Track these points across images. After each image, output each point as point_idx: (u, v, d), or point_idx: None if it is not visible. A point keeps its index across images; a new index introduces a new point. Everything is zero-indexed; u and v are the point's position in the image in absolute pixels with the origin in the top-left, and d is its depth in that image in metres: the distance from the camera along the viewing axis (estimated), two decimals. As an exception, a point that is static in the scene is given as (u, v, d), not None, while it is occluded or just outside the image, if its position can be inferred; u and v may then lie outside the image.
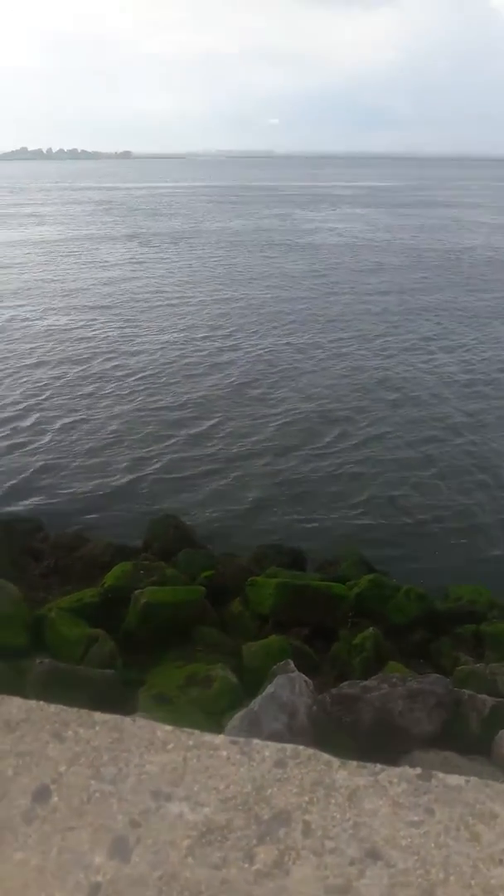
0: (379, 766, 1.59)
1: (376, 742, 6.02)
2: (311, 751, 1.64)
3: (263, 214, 67.94)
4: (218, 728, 5.89)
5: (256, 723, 5.82)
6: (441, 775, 1.57)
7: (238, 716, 5.95)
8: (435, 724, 6.29)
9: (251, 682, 6.72)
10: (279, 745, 1.64)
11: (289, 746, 1.65)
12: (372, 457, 14.51)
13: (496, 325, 25.46)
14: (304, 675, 6.38)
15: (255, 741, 1.67)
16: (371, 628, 7.98)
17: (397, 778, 1.56)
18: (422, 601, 8.87)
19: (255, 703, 5.96)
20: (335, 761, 1.60)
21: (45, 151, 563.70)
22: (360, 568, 9.88)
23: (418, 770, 1.58)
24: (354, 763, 1.60)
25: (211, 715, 6.10)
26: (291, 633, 8.07)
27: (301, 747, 1.65)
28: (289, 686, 6.17)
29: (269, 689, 6.10)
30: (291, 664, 6.61)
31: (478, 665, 7.65)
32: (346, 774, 1.57)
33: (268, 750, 1.63)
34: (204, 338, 23.07)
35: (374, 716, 6.20)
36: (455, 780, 1.56)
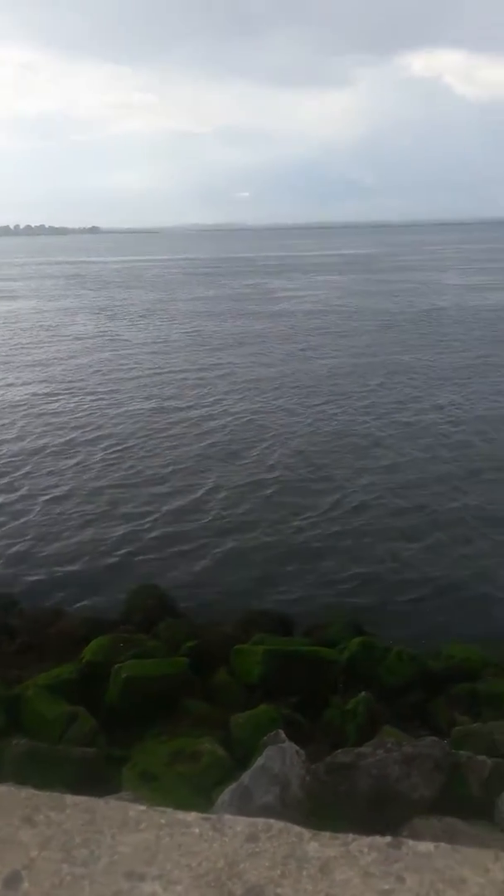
0: (351, 835, 1.60)
1: (374, 811, 5.77)
2: (282, 824, 1.65)
3: (237, 285, 69.34)
4: (208, 804, 5.61)
5: (247, 797, 5.55)
6: (411, 843, 1.60)
7: (228, 790, 5.69)
8: (434, 789, 6.05)
9: (241, 755, 6.47)
10: (250, 820, 1.66)
11: (260, 820, 1.65)
12: (355, 518, 14.37)
13: (474, 384, 25.71)
14: (295, 745, 6.15)
15: (227, 816, 1.69)
16: (363, 693, 7.76)
17: (367, 847, 1.57)
18: (414, 662, 8.67)
19: (246, 777, 5.72)
20: (306, 833, 1.61)
21: (12, 228, 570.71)
22: (350, 630, 9.68)
23: (388, 838, 1.60)
24: (326, 834, 1.61)
25: (200, 791, 5.82)
26: (281, 701, 7.82)
27: (273, 820, 1.65)
28: (280, 757, 5.93)
29: (260, 761, 5.86)
30: (282, 734, 6.37)
31: (475, 725, 7.44)
32: (317, 846, 1.57)
33: (239, 825, 1.64)
34: (184, 407, 23.11)
35: (370, 784, 5.96)
36: (425, 846, 1.59)
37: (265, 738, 6.35)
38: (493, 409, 22.37)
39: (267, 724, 6.74)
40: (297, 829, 1.62)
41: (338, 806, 5.77)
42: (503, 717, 7.67)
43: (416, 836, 5.56)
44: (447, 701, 8.25)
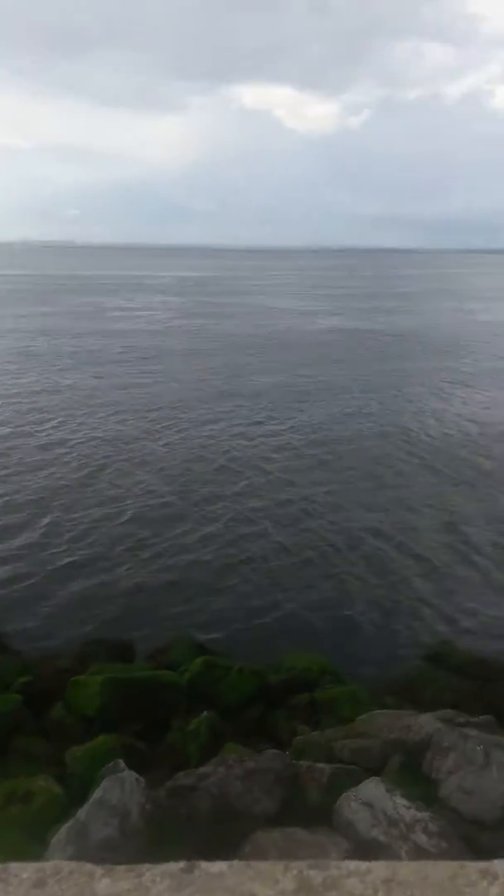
0: (146, 866, 1.61)
1: (216, 830, 5.72)
2: (73, 864, 1.63)
3: (71, 303, 67.72)
4: (42, 847, 5.33)
5: (84, 833, 5.35)
6: (205, 864, 1.62)
7: (64, 828, 5.45)
8: (275, 801, 6.11)
9: (79, 790, 6.21)
10: (39, 865, 1.62)
11: (49, 864, 1.62)
12: (204, 546, 14.29)
13: (317, 406, 26.60)
14: (135, 773, 6.00)
15: (13, 864, 1.62)
16: (205, 712, 7.74)
17: (160, 875, 1.59)
18: (256, 677, 8.78)
19: (82, 812, 5.50)
20: (98, 870, 1.60)
21: None
22: (192, 652, 9.63)
23: (182, 864, 1.62)
24: (122, 867, 1.61)
25: (34, 833, 5.52)
26: (123, 729, 7.63)
27: (64, 862, 1.63)
28: (118, 787, 5.77)
29: (97, 794, 5.67)
30: (122, 763, 6.21)
31: (314, 733, 7.60)
32: (108, 882, 1.57)
33: (26, 871, 1.59)
34: (18, 433, 22.08)
35: (211, 803, 5.93)
36: (218, 866, 1.61)
37: (104, 769, 6.16)
38: (341, 430, 23.25)
39: (105, 755, 6.54)
40: (88, 867, 1.60)
41: (179, 830, 5.68)
42: (340, 723, 7.92)
43: (258, 849, 5.58)
44: (288, 712, 8.40)
